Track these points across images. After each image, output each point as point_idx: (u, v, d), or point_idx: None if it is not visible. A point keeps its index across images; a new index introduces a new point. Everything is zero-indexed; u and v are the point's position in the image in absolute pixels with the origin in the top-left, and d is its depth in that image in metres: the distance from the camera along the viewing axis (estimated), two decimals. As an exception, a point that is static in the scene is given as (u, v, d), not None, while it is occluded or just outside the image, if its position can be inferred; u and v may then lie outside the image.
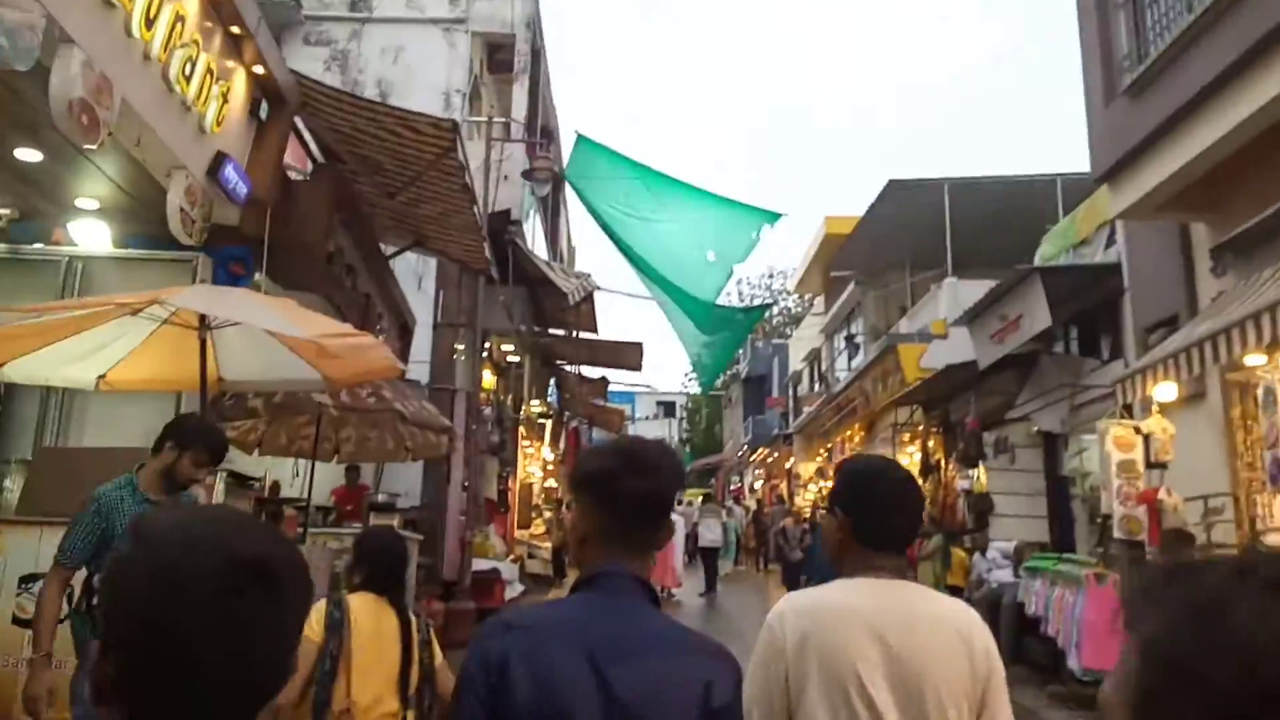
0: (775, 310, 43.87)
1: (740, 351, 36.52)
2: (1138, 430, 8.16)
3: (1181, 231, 9.57)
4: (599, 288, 14.47)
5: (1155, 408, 8.22)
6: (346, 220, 8.35)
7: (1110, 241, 11.35)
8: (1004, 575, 10.15)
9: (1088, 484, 12.63)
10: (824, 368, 24.45)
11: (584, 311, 16.22)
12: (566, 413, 19.73)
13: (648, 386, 25.56)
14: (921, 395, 15.83)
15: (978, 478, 12.71)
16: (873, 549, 2.04)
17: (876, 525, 2.06)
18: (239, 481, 5.10)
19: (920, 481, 14.05)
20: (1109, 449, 8.02)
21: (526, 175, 12.99)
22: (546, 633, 1.58)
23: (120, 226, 6.59)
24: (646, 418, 53.09)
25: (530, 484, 18.78)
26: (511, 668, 1.52)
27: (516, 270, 13.99)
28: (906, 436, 16.56)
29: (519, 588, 14.06)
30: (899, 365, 16.61)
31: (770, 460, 30.36)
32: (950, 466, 14.51)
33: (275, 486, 7.28)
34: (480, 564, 12.73)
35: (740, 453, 35.68)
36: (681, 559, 19.95)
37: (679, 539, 19.78)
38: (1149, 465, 8.01)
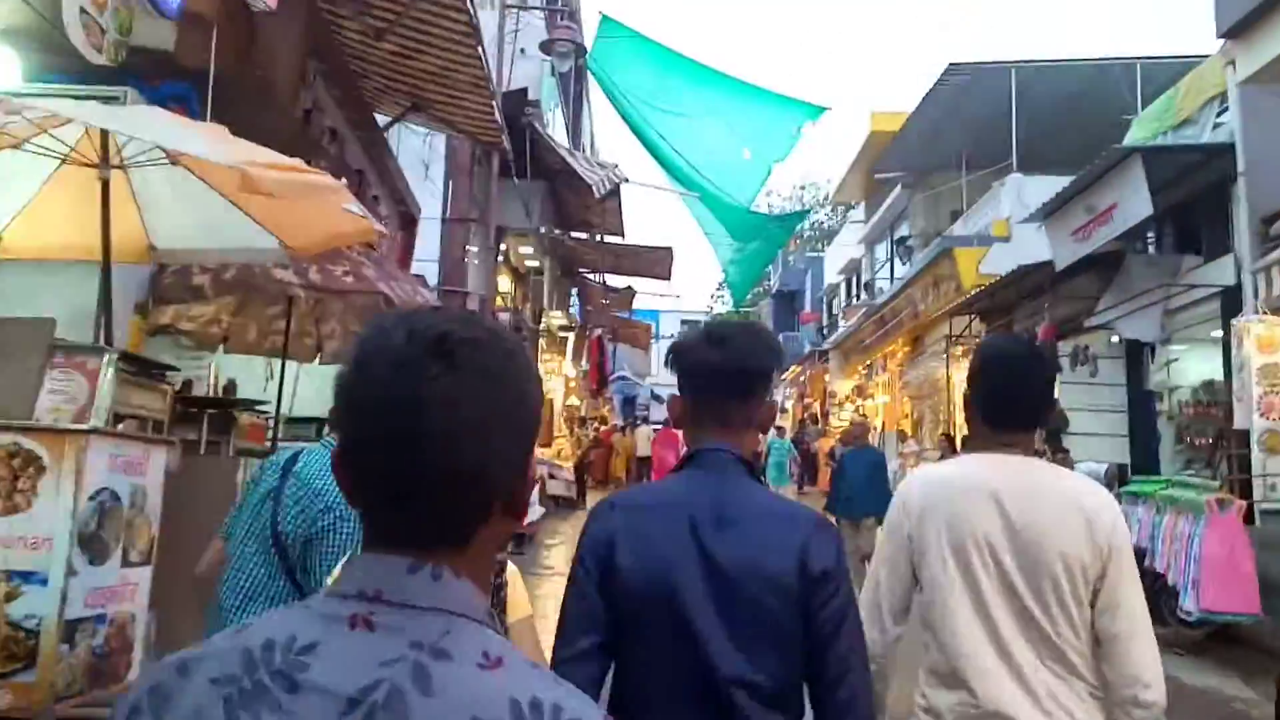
0: (807, 223, 42.09)
1: (770, 266, 34.96)
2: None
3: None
4: (627, 180, 13.01)
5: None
6: (329, 73, 6.95)
7: (1218, 121, 9.76)
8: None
9: (1176, 399, 11.25)
10: (865, 279, 22.94)
11: (609, 211, 14.78)
12: (590, 325, 18.44)
13: (676, 296, 24.04)
14: (980, 304, 14.39)
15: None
16: (997, 426, 2.04)
17: (998, 402, 2.07)
18: (142, 369, 3.83)
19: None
20: (1247, 352, 6.62)
21: (545, 48, 11.47)
22: (648, 510, 1.67)
23: (34, 58, 5.21)
24: (672, 335, 51.78)
25: (550, 400, 17.61)
26: (618, 544, 1.61)
27: (534, 161, 12.54)
28: (959, 350, 15.15)
29: (539, 510, 12.96)
30: (955, 271, 15.15)
31: (803, 379, 29.06)
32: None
33: (230, 386, 6.04)
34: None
35: (770, 371, 34.38)
36: None
37: None
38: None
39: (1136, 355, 11.25)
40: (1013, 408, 2.04)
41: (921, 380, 17.07)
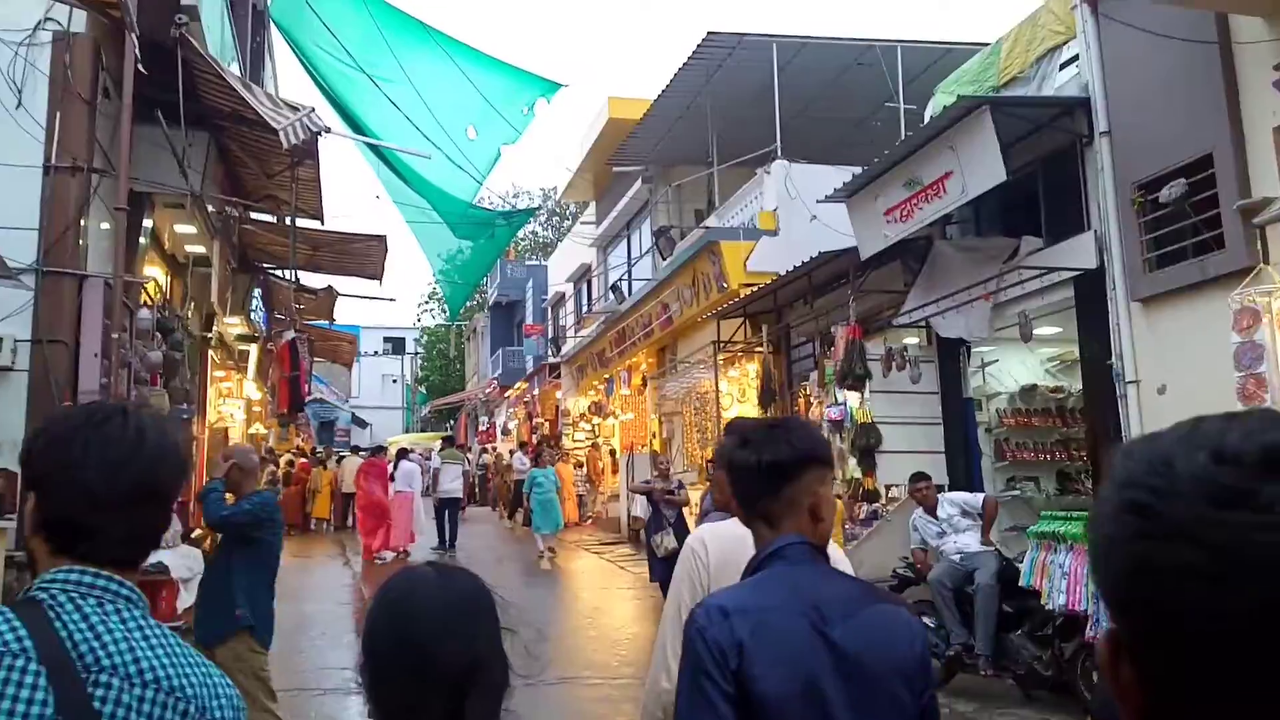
0: (523, 233, 39.65)
1: (487, 275, 32.06)
2: None
3: (1220, 29, 6.59)
4: (328, 129, 9.72)
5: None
6: None
7: (1060, 78, 8.35)
8: (968, 541, 6.92)
9: (993, 408, 9.83)
10: (604, 284, 20.78)
11: (304, 182, 11.33)
12: (276, 333, 14.68)
13: (391, 300, 20.43)
14: (746, 306, 12.55)
15: (861, 402, 9.50)
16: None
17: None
18: None
19: (761, 412, 10.66)
20: (1261, 334, 4.81)
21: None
22: (766, 611, 1.63)
23: None
24: (376, 353, 47.20)
25: (225, 428, 13.65)
26: (748, 652, 1.57)
27: (193, 99, 8.96)
28: (722, 359, 13.24)
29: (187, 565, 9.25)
30: (721, 267, 13.21)
31: (531, 397, 26.42)
32: (806, 390, 11.29)
33: None
34: (135, 556, 7.91)
35: (488, 390, 31.42)
36: (419, 513, 16.18)
37: (416, 491, 15.90)
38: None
39: (950, 357, 9.72)
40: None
41: (683, 393, 15.02)
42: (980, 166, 7.78)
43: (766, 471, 1.76)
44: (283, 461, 18.43)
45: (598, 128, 19.44)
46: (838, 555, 2.16)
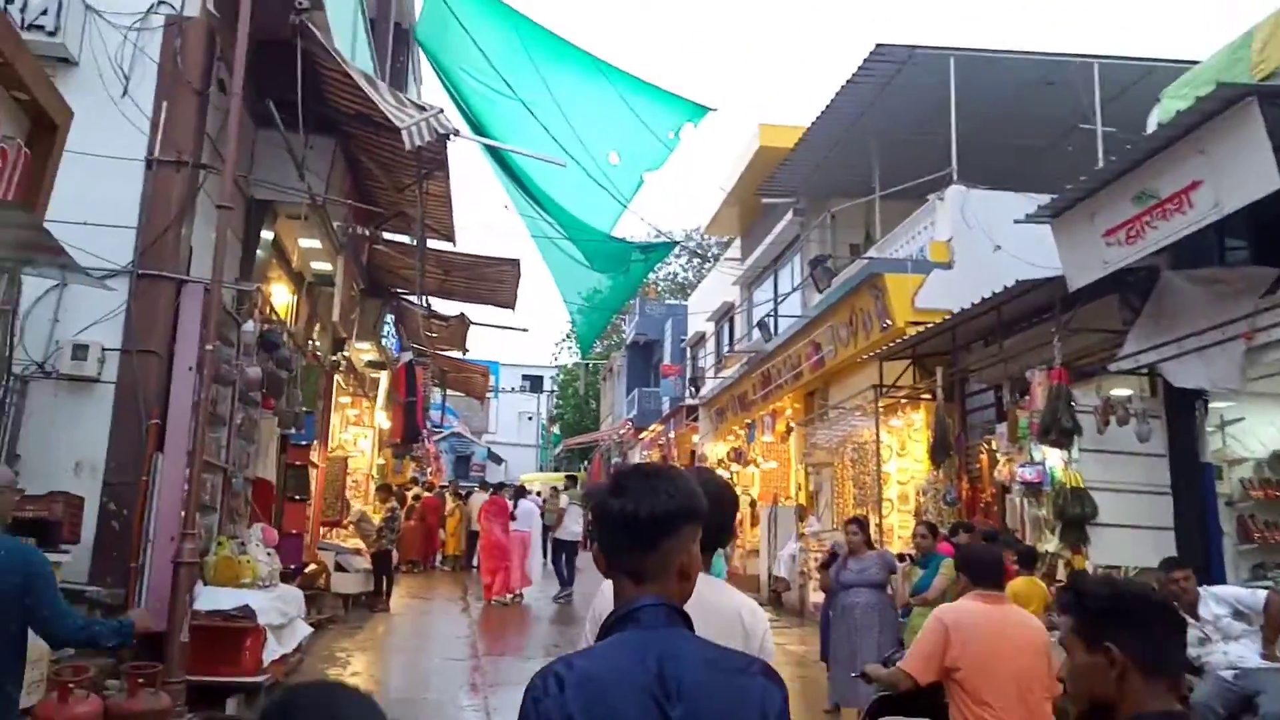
0: (662, 272, 38.77)
1: (622, 312, 31.16)
2: None
3: None
4: (456, 131, 8.85)
5: None
6: None
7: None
8: (1243, 653, 5.22)
9: (1235, 476, 7.95)
10: (748, 323, 19.46)
11: (434, 195, 10.57)
12: (409, 358, 13.98)
13: (524, 330, 19.48)
14: (916, 346, 10.99)
15: (1066, 463, 7.79)
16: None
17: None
18: None
19: (934, 470, 9.06)
20: None
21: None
22: (605, 683, 1.54)
23: None
24: (513, 389, 47.12)
25: (344, 458, 12.94)
26: None
27: (314, 95, 8.26)
28: (883, 406, 11.66)
29: (301, 632, 8.36)
30: (884, 303, 11.71)
31: (666, 440, 25.20)
32: (991, 444, 9.61)
33: None
34: (219, 595, 7.05)
35: (623, 431, 30.41)
36: (538, 557, 15.59)
37: (535, 534, 15.17)
38: None
39: (1182, 413, 7.91)
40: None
41: (836, 443, 13.49)
42: (1241, 173, 6.13)
43: (645, 525, 1.63)
44: (409, 496, 17.76)
45: (747, 157, 18.26)
46: None
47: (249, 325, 7.94)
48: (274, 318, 9.39)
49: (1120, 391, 8.04)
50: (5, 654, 3.20)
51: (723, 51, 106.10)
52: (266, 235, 9.39)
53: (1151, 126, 8.35)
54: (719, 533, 2.43)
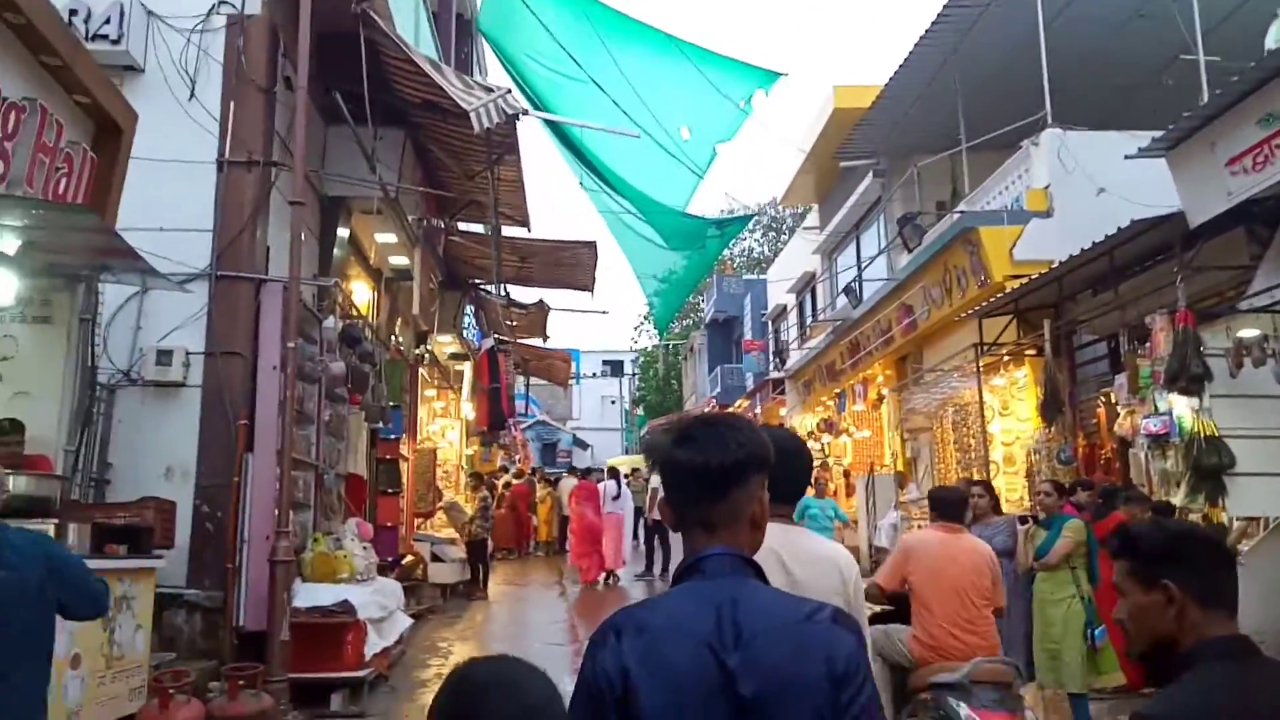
0: (736, 249, 38.16)
1: (698, 291, 30.74)
2: None
3: None
4: (525, 110, 8.62)
5: None
6: None
7: None
8: None
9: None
10: (832, 291, 18.93)
11: (506, 180, 10.39)
12: (491, 345, 13.91)
13: (603, 313, 19.49)
14: (1018, 300, 10.41)
15: (1197, 411, 7.22)
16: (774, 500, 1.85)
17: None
18: None
19: (1045, 428, 8.55)
20: None
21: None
22: (662, 634, 1.52)
23: None
24: (594, 375, 47.17)
25: (433, 449, 12.93)
26: (634, 678, 1.48)
27: (381, 85, 8.12)
28: (984, 364, 11.08)
29: (401, 624, 8.32)
30: (980, 258, 11.15)
31: (752, 415, 24.87)
32: (1111, 397, 9.02)
33: None
34: (318, 592, 7.00)
35: (707, 408, 30.16)
36: (628, 539, 15.54)
37: (628, 516, 15.17)
38: None
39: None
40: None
41: (935, 406, 12.96)
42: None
43: (715, 474, 1.61)
44: (499, 484, 17.79)
45: (822, 121, 17.69)
46: None
47: (330, 321, 7.88)
48: (354, 313, 9.34)
49: (1250, 332, 7.41)
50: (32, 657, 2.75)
51: (791, 15, 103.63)
52: (342, 232, 9.34)
53: (1271, 44, 7.68)
54: (797, 483, 2.56)
